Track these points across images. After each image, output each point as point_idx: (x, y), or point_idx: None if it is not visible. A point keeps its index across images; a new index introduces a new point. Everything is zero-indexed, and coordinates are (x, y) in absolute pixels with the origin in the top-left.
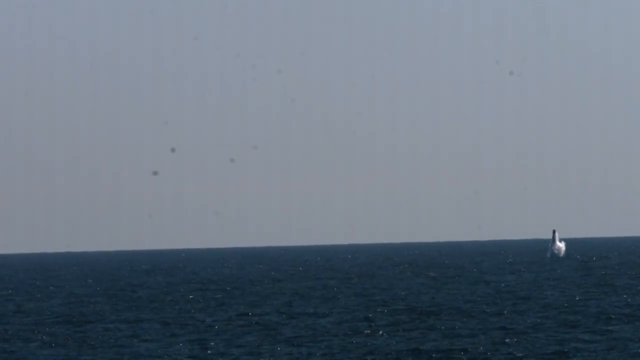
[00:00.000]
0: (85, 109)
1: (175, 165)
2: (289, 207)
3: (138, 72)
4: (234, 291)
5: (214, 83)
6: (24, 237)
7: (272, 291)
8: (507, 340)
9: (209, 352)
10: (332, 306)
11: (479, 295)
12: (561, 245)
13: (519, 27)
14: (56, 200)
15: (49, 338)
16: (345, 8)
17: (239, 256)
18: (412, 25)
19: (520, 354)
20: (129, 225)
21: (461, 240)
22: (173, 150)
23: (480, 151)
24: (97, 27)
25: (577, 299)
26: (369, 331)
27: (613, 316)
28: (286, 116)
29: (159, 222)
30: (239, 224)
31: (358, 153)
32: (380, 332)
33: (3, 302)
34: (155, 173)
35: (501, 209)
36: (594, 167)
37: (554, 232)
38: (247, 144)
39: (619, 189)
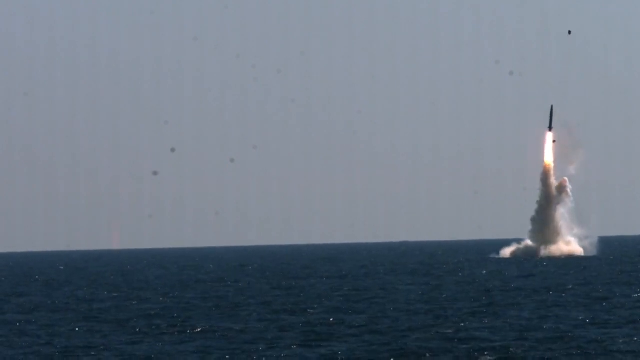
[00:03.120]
0: (85, 109)
1: (175, 165)
2: (289, 207)
3: (138, 72)
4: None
5: (214, 83)
6: (24, 237)
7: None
8: None
9: None
10: None
11: None
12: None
13: (519, 27)
14: (56, 200)
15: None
16: (345, 8)
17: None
18: (412, 25)
19: None
20: (129, 225)
21: (461, 240)
22: (173, 150)
23: (480, 151)
24: (97, 27)
25: None
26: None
27: None
28: (286, 116)
29: (159, 222)
30: (239, 223)
31: (358, 153)
32: None
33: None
34: (155, 173)
35: (501, 209)
36: (594, 167)
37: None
38: (247, 144)
39: (619, 189)
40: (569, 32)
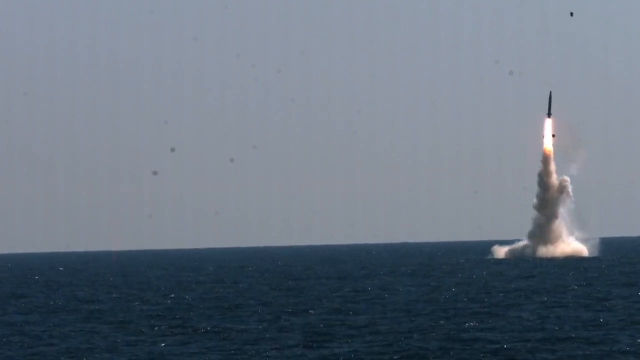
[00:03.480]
0: (85, 109)
1: (175, 165)
2: (289, 207)
3: (138, 72)
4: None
5: (214, 83)
6: (24, 237)
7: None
8: None
9: None
10: None
11: None
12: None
13: (519, 27)
14: (56, 200)
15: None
16: (345, 8)
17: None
18: (412, 25)
19: None
20: (129, 225)
21: (461, 241)
22: (173, 150)
23: (480, 151)
24: (97, 27)
25: None
26: None
27: None
28: (286, 116)
29: (159, 222)
30: (239, 224)
31: (358, 153)
32: None
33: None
34: (155, 173)
35: (501, 209)
36: (594, 167)
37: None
38: (247, 144)
39: (620, 190)
40: (571, 14)
